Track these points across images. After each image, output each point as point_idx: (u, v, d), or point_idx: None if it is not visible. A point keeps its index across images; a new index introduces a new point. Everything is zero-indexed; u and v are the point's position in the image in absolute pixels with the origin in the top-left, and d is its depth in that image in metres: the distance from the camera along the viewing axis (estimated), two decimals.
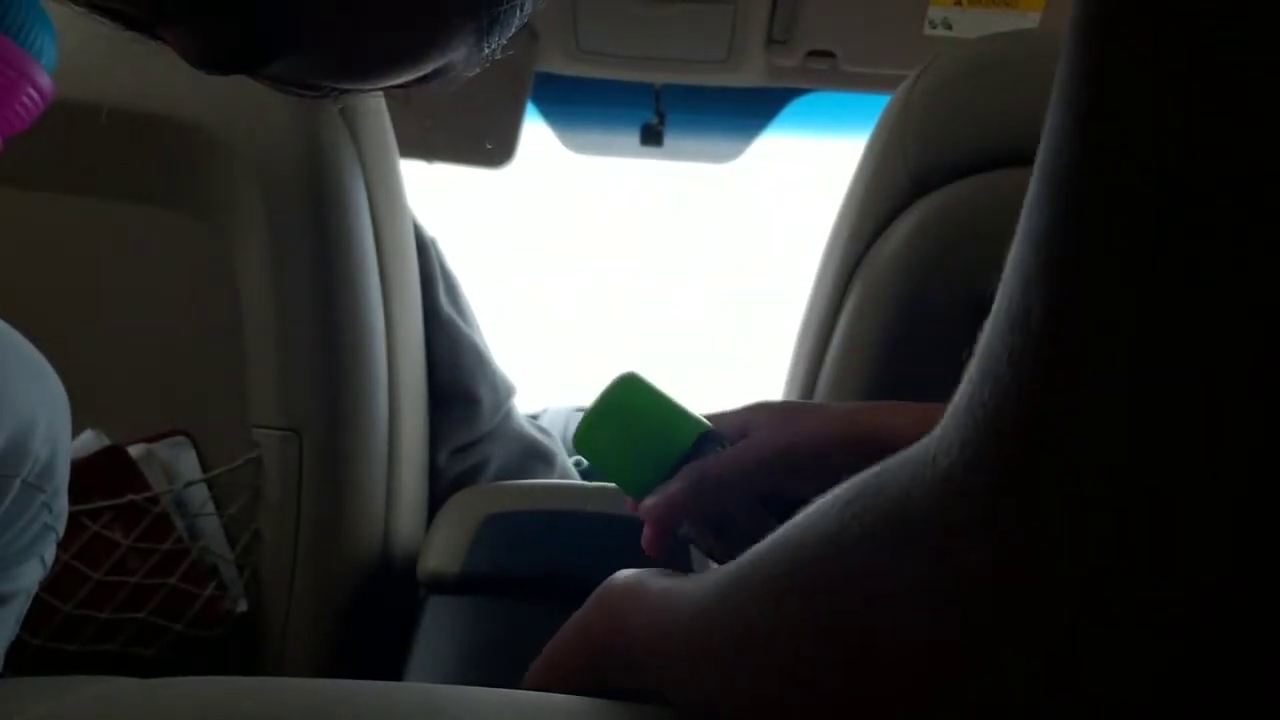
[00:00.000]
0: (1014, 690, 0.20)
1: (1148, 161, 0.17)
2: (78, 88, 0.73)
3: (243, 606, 0.78)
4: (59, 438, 0.53)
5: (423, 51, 0.31)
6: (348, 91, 0.33)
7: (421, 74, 0.32)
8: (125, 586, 0.74)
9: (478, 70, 0.34)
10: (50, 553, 0.56)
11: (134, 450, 0.77)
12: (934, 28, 1.17)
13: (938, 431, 0.21)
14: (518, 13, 0.32)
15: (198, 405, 0.79)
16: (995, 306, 0.20)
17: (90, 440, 0.76)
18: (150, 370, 0.79)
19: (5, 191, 0.76)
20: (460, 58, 0.32)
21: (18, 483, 0.50)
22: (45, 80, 0.44)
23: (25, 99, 0.43)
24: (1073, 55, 0.18)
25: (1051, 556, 0.18)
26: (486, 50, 0.33)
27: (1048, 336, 0.18)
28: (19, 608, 0.54)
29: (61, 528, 0.55)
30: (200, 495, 0.78)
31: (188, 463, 0.78)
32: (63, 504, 0.55)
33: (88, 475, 0.72)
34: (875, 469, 0.24)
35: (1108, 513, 0.17)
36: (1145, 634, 0.17)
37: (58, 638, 0.73)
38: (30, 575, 0.54)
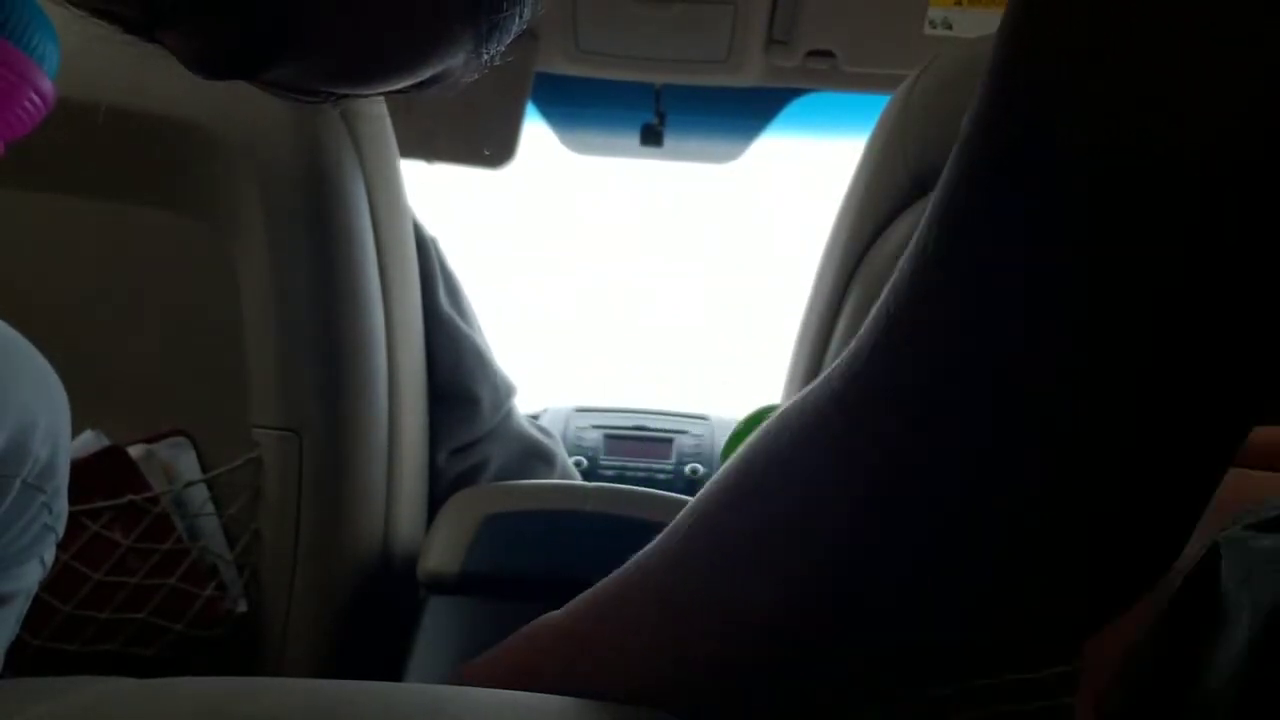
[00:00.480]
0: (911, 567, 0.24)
1: (1019, 140, 0.21)
2: (77, 87, 0.73)
3: (243, 606, 0.78)
4: (59, 438, 0.53)
5: (422, 58, 0.31)
6: (346, 97, 0.34)
7: (420, 80, 0.33)
8: (125, 587, 0.74)
9: (476, 76, 0.34)
10: (50, 553, 0.56)
11: (134, 451, 0.77)
12: (934, 27, 1.17)
13: (854, 343, 0.26)
14: (516, 19, 0.32)
15: (198, 405, 0.79)
16: (915, 234, 0.24)
17: (90, 440, 0.76)
18: (150, 370, 0.79)
19: (5, 192, 0.76)
20: (459, 64, 0.33)
21: (18, 483, 0.50)
22: (47, 85, 0.44)
23: (27, 104, 0.43)
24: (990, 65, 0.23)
25: (923, 454, 0.23)
26: (485, 56, 0.33)
27: (937, 262, 0.23)
28: (19, 608, 0.54)
29: (61, 528, 0.55)
30: (200, 495, 0.78)
31: (188, 463, 0.78)
32: (63, 504, 0.55)
33: (88, 475, 0.72)
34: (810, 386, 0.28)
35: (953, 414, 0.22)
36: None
37: (58, 638, 0.73)
38: (30, 576, 0.54)
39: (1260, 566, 0.23)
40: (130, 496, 0.74)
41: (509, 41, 0.33)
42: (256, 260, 0.75)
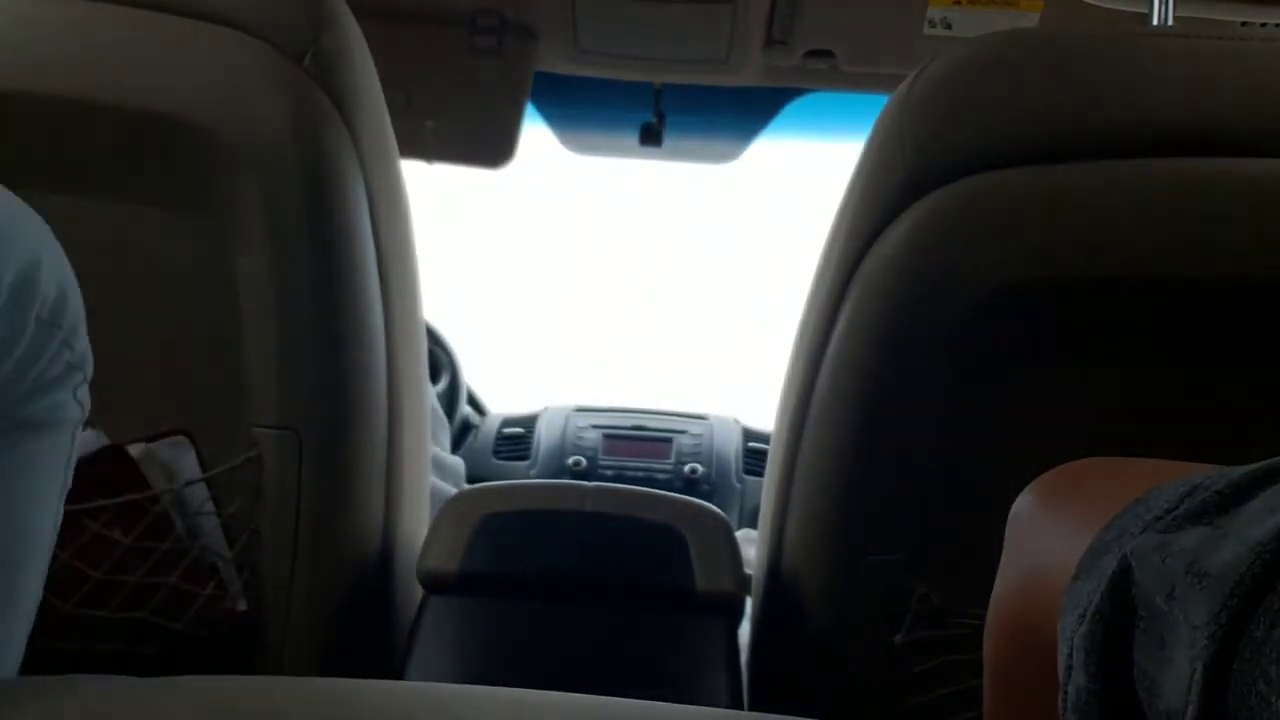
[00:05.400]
0: None
1: None
2: (77, 87, 0.73)
3: (242, 606, 0.78)
4: (64, 277, 0.53)
5: None
6: None
7: None
8: (125, 586, 0.74)
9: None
10: (84, 393, 0.55)
11: (134, 450, 0.77)
12: (934, 27, 1.17)
13: None
14: None
15: (197, 405, 0.79)
16: None
17: (90, 440, 0.76)
18: (150, 370, 0.79)
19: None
20: None
21: (32, 317, 0.50)
22: None
23: None
24: None
25: None
26: None
27: None
28: (66, 447, 0.54)
29: (89, 370, 0.55)
30: (200, 494, 0.78)
31: (187, 462, 0.78)
32: (84, 345, 0.55)
33: (88, 474, 0.72)
34: None
35: None
36: None
37: (58, 637, 0.73)
38: (67, 409, 0.54)
39: (1182, 580, 0.22)
40: (130, 495, 0.75)
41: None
42: (256, 260, 0.75)
